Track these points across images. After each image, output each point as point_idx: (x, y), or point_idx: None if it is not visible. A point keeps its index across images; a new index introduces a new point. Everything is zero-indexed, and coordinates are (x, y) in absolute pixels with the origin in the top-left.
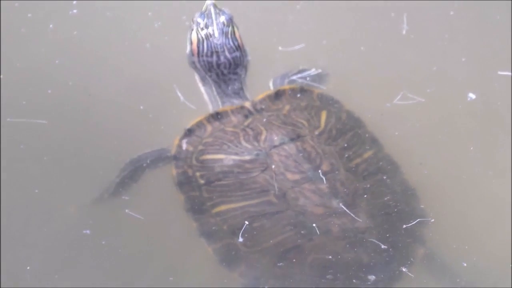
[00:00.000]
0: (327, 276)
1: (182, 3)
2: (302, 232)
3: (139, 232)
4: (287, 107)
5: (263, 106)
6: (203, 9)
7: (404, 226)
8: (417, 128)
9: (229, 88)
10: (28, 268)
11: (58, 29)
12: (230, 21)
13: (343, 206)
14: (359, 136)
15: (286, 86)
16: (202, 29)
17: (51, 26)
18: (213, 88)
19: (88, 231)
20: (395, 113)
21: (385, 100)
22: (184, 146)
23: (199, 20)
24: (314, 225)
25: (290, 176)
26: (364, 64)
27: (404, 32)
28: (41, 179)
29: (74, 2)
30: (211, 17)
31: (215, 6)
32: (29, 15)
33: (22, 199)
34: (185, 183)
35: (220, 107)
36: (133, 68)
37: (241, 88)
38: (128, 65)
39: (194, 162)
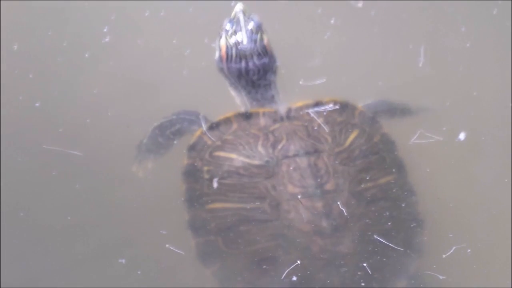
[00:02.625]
0: None
1: (198, 25)
2: (283, 244)
3: (177, 265)
4: (320, 119)
5: (296, 115)
6: (231, 16)
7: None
8: (446, 165)
9: (259, 94)
10: None
11: (95, 59)
12: (259, 28)
13: (330, 228)
14: (383, 160)
15: (328, 99)
16: (230, 36)
17: (86, 55)
18: (243, 94)
19: (123, 261)
20: (421, 151)
21: (404, 138)
22: (205, 138)
23: (228, 26)
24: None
25: (290, 188)
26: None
27: (420, 64)
28: (74, 207)
29: (105, 29)
30: (240, 24)
31: (244, 12)
32: (64, 44)
33: (56, 225)
34: (191, 174)
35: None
36: (171, 98)
37: (272, 94)
38: (166, 95)
39: (206, 156)
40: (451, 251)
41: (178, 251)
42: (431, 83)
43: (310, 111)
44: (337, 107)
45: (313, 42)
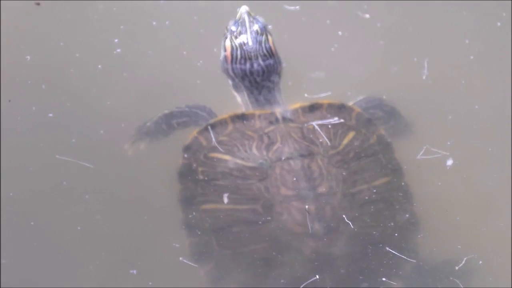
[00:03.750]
0: None
1: (206, 34)
2: (275, 246)
3: (189, 278)
4: (316, 121)
5: (292, 117)
6: (237, 17)
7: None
8: (453, 178)
9: (262, 95)
10: None
11: (107, 70)
12: (264, 29)
13: (322, 230)
14: (378, 162)
15: (324, 101)
16: (235, 37)
17: (100, 66)
18: (245, 94)
19: (134, 271)
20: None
21: (411, 153)
22: (200, 138)
23: (233, 28)
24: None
25: (283, 190)
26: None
27: (424, 77)
28: (84, 217)
29: (116, 40)
30: (245, 25)
31: (249, 14)
32: (77, 55)
33: (66, 235)
34: (186, 174)
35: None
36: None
37: (274, 96)
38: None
39: (201, 157)
40: (463, 262)
41: (192, 264)
42: (434, 96)
43: (314, 123)
44: (341, 120)
45: (321, 54)
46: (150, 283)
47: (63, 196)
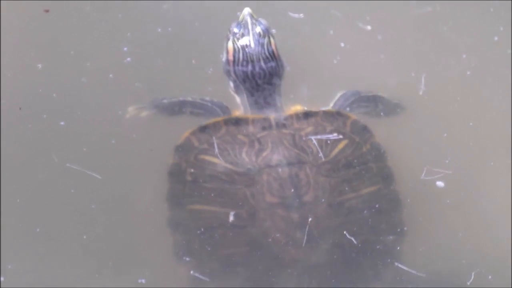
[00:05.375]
0: None
1: (208, 40)
2: (256, 251)
3: None
4: (309, 129)
5: (286, 123)
6: (239, 19)
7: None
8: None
9: (261, 97)
10: None
11: (119, 79)
12: (267, 32)
13: (304, 239)
14: (369, 170)
15: (320, 109)
16: (238, 39)
17: (111, 76)
18: (245, 96)
19: (143, 280)
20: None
21: (413, 173)
22: (192, 139)
23: (236, 30)
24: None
25: (268, 198)
26: (385, 132)
27: (420, 93)
28: (90, 226)
29: (125, 49)
30: (248, 27)
31: (251, 16)
32: (87, 63)
33: (72, 243)
34: (175, 174)
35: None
36: (196, 120)
37: (274, 99)
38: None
39: (191, 158)
40: (472, 277)
41: (202, 277)
42: (429, 112)
43: (313, 137)
44: (340, 136)
45: (323, 66)
46: None
47: (70, 204)
